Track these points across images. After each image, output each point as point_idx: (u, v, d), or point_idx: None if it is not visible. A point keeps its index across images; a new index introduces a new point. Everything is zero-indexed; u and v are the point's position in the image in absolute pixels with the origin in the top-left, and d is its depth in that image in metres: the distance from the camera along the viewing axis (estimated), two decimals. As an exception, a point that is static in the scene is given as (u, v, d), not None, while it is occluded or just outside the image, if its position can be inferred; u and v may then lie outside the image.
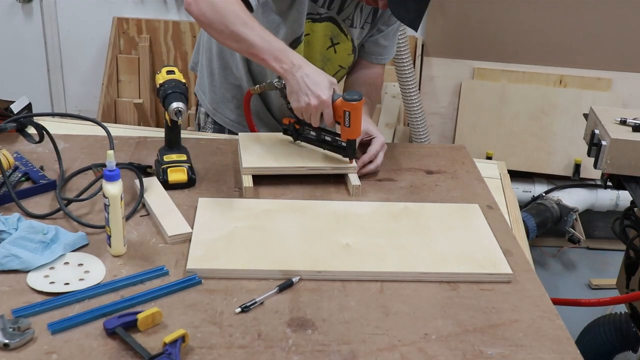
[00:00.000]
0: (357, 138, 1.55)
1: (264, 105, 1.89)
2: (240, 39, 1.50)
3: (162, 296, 1.16)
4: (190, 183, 1.52)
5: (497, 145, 3.36)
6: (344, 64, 1.82)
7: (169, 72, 1.51)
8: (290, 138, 1.67)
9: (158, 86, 1.50)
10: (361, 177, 1.60)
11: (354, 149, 1.56)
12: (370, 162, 1.64)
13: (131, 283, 1.19)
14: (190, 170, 1.53)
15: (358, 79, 1.88)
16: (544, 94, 3.32)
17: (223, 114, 1.92)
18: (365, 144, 1.67)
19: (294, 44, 1.71)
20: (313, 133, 1.62)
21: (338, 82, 1.76)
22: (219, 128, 1.94)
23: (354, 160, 1.59)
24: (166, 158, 1.54)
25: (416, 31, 1.66)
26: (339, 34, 1.76)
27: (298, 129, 1.64)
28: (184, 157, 1.55)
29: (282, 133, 1.68)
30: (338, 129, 1.54)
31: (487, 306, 1.19)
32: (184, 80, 1.50)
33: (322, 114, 1.50)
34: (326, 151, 1.62)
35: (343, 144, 1.56)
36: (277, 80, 1.57)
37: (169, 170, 1.51)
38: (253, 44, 1.49)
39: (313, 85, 1.47)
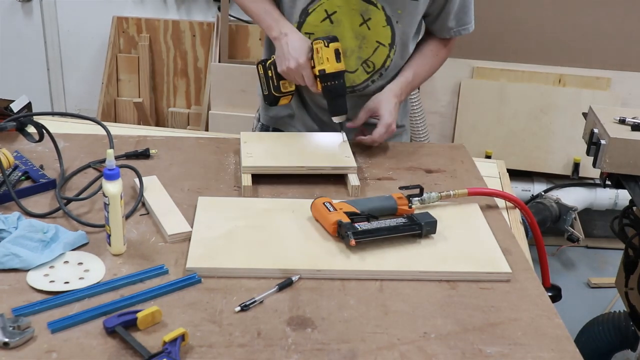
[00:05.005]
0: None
1: (301, 104, 1.88)
2: (247, 10, 1.74)
3: (162, 295, 1.16)
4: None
5: (496, 144, 3.36)
6: (381, 39, 1.72)
7: None
8: (291, 137, 1.70)
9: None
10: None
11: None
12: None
13: (131, 282, 1.19)
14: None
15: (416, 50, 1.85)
16: (543, 93, 3.32)
17: (266, 111, 1.92)
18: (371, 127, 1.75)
19: (302, 16, 1.70)
20: None
21: (386, 62, 1.76)
22: (265, 129, 1.95)
23: (352, 156, 1.63)
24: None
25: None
26: (367, 8, 1.68)
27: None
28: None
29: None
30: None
31: (486, 305, 1.19)
32: None
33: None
34: (326, 151, 1.64)
35: None
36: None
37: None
38: (254, 14, 1.72)
39: (292, 49, 1.63)
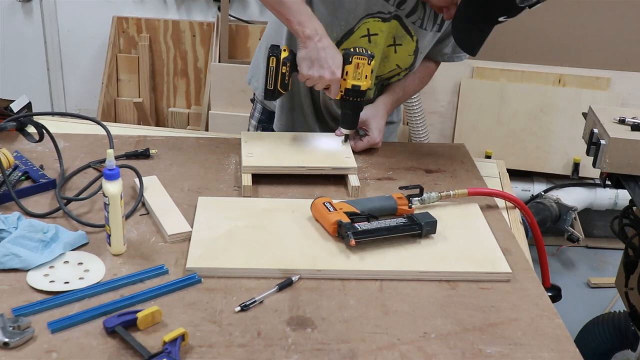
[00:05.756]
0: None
1: (313, 111, 1.88)
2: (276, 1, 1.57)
3: (162, 295, 1.16)
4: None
5: (496, 144, 3.36)
6: (402, 64, 1.78)
7: None
8: (292, 137, 1.70)
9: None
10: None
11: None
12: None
13: (131, 282, 1.19)
14: None
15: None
16: (543, 93, 3.32)
17: (280, 120, 1.89)
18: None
19: (348, 35, 1.68)
20: None
21: (393, 77, 1.82)
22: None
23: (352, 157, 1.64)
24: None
25: (474, 56, 1.70)
26: (403, 35, 1.71)
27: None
28: None
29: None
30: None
31: (486, 305, 1.19)
32: None
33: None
34: (326, 151, 1.64)
35: None
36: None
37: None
38: (281, 3, 1.55)
39: (331, 59, 1.54)
